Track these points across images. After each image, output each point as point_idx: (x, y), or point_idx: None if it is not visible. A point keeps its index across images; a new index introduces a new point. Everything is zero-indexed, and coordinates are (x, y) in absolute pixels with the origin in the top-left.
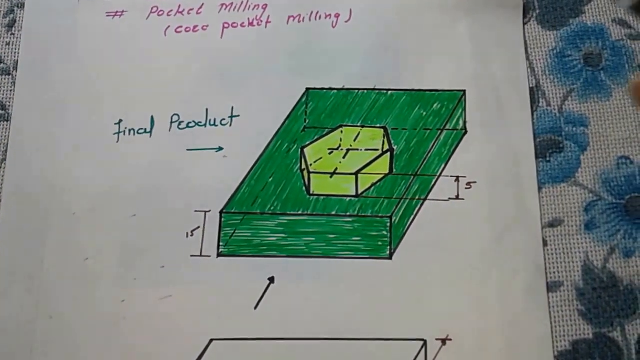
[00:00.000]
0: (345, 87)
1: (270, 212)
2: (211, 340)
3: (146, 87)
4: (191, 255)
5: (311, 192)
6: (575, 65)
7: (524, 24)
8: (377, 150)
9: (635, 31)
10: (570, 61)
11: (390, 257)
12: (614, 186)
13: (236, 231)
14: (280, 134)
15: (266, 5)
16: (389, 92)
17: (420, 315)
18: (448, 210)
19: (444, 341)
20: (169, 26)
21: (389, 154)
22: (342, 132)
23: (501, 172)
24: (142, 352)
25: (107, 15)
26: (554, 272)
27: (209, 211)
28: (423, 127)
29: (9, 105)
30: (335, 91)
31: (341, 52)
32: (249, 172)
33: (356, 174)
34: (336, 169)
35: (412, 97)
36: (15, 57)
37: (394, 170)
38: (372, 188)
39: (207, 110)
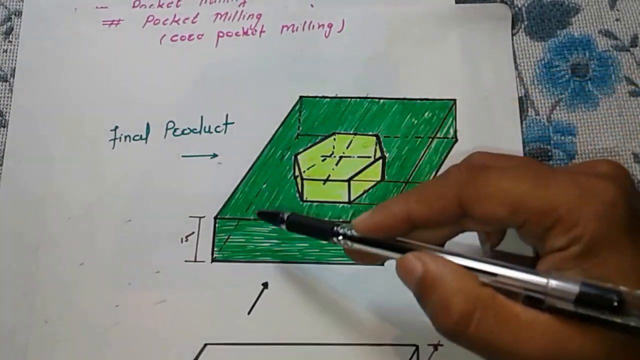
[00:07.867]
0: (338, 95)
1: None
2: (205, 345)
3: (142, 94)
4: (185, 261)
5: (304, 199)
6: (563, 76)
7: (513, 35)
8: (370, 157)
9: (621, 42)
10: (558, 71)
11: (382, 263)
12: None
13: (230, 237)
14: (274, 141)
15: (260, 15)
16: (381, 100)
17: (412, 321)
18: None
19: (435, 347)
20: (164, 35)
21: (381, 161)
22: (334, 139)
23: None
24: (136, 356)
25: (104, 24)
26: None
27: (204, 217)
28: (414, 135)
29: (6, 112)
30: (328, 99)
31: (334, 61)
32: (243, 179)
33: (349, 180)
34: (329, 175)
35: (403, 105)
36: (12, 64)
37: (386, 178)
38: (365, 195)
39: (202, 117)
